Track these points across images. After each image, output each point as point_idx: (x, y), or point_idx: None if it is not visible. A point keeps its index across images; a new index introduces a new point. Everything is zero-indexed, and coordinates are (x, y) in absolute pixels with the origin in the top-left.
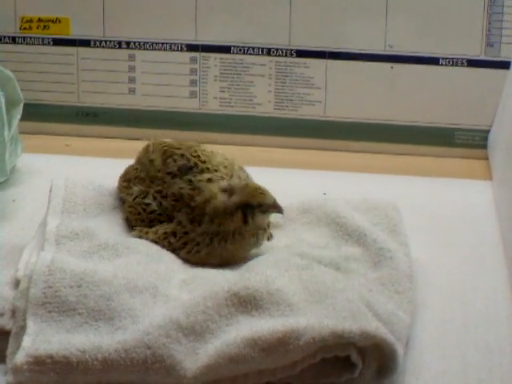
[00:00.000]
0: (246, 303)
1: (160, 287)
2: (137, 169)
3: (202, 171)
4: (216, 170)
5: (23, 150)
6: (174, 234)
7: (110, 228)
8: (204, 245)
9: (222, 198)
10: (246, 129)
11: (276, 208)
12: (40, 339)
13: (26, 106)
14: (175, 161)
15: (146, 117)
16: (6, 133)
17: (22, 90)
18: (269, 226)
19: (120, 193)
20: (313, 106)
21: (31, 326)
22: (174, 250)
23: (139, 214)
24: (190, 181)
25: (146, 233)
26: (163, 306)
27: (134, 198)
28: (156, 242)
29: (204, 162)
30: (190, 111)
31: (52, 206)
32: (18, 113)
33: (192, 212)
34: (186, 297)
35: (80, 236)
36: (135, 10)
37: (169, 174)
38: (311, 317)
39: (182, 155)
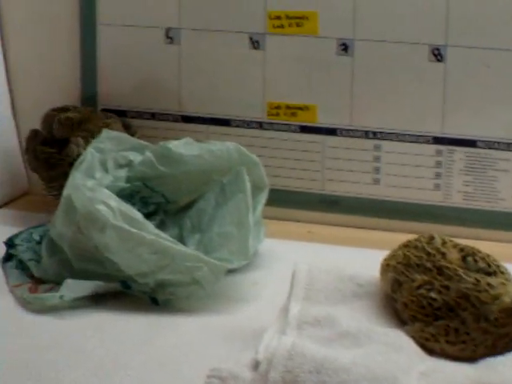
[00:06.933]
0: None
1: (400, 378)
2: (420, 257)
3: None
4: (508, 280)
5: (266, 235)
6: (456, 330)
7: (351, 316)
8: (483, 345)
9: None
10: (489, 224)
11: None
12: None
13: (270, 191)
14: (476, 261)
15: (389, 207)
16: (250, 217)
17: (266, 175)
18: None
19: (395, 275)
20: None
21: None
22: (440, 344)
23: (423, 307)
24: (477, 280)
25: (426, 326)
26: None
27: (418, 287)
28: (433, 336)
29: (502, 272)
30: (433, 203)
31: (294, 292)
32: (263, 198)
33: (477, 311)
34: None
35: (321, 322)
36: (382, 101)
37: (463, 269)
38: None
39: (484, 258)
